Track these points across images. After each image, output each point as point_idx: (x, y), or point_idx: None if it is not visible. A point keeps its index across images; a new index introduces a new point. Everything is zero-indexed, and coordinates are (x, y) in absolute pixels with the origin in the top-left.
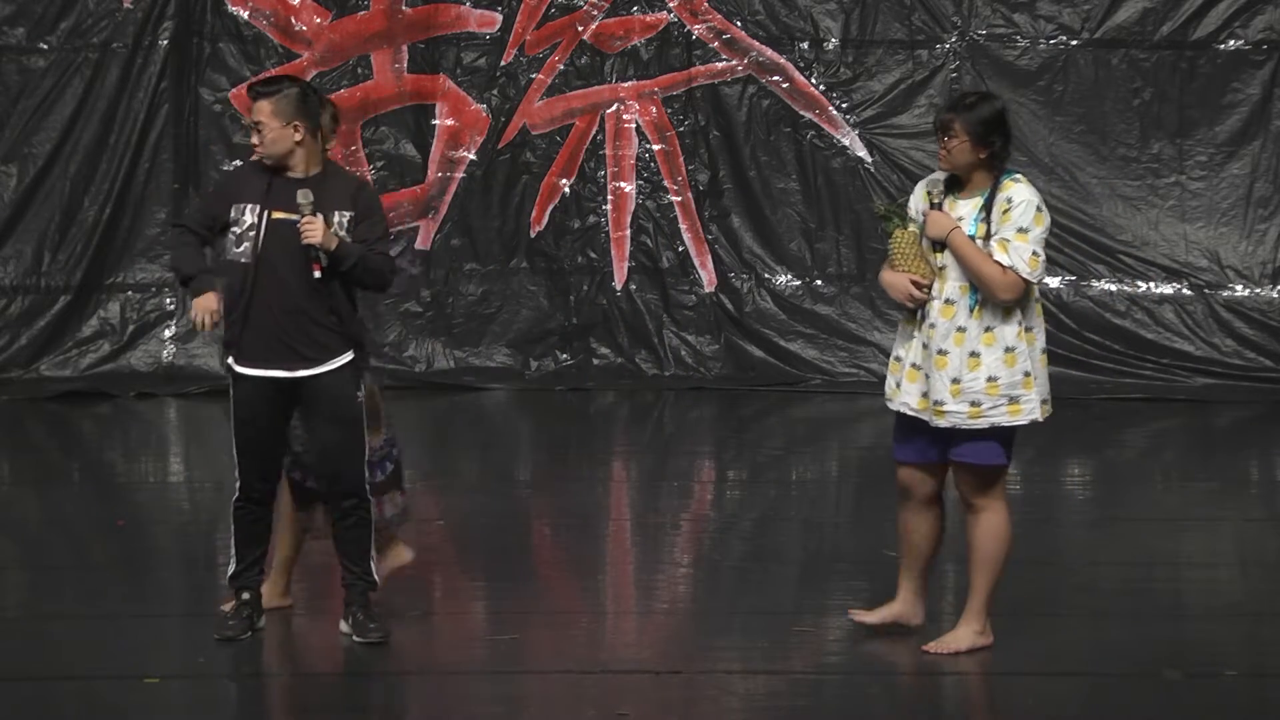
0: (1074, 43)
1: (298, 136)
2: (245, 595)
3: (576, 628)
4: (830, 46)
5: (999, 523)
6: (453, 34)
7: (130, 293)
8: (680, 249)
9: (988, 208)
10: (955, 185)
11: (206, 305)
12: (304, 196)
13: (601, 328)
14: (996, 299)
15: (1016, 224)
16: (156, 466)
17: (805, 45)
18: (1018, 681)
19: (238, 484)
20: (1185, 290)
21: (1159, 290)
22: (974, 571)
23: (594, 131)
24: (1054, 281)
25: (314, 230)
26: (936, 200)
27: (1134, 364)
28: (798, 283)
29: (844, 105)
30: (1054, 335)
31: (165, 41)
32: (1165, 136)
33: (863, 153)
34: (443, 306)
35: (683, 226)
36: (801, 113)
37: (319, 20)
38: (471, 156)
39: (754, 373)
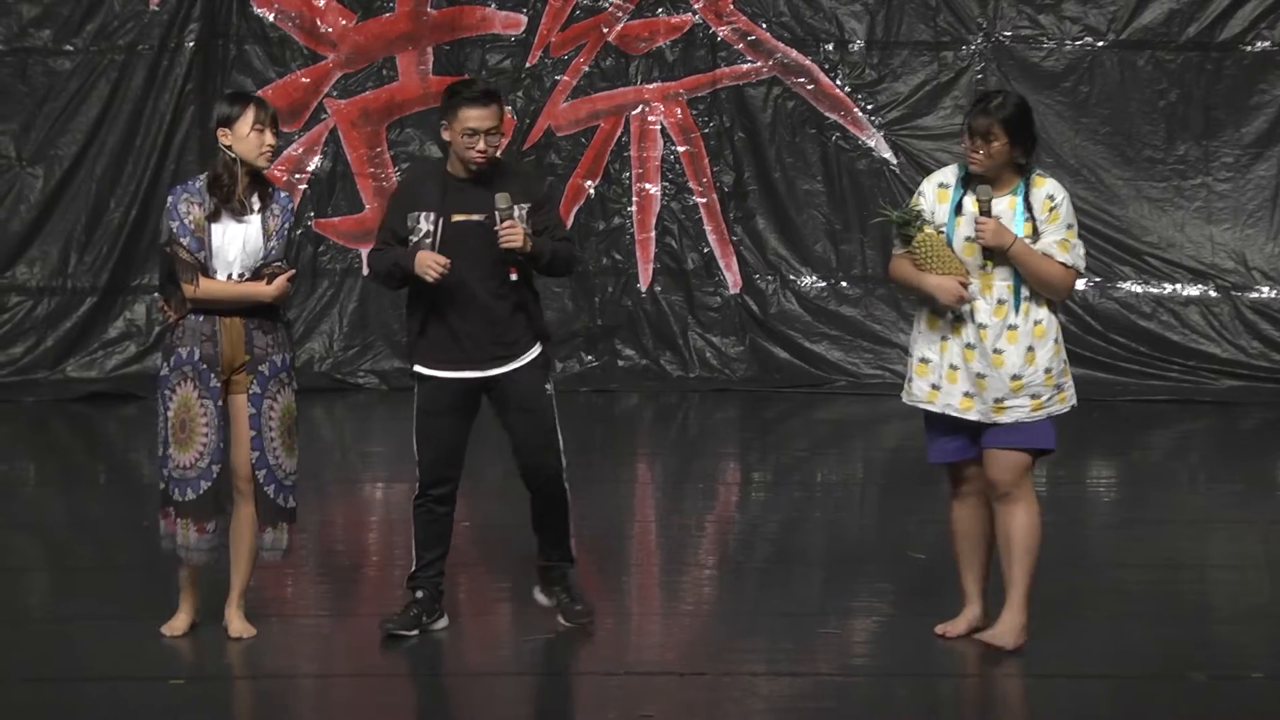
0: (1100, 44)
1: (506, 136)
2: (418, 594)
3: (601, 629)
4: (855, 48)
5: (1036, 512)
6: (478, 36)
7: (156, 294)
8: (705, 251)
9: (1028, 206)
10: (972, 183)
11: (429, 259)
12: (503, 200)
13: (626, 329)
14: (1059, 296)
15: (1065, 221)
16: None
17: (830, 47)
18: (1043, 683)
19: (418, 482)
20: (1211, 292)
21: (1185, 292)
22: (1013, 563)
23: (619, 133)
24: (1080, 283)
25: (515, 236)
26: (986, 208)
27: (1160, 366)
28: (823, 284)
29: (869, 107)
30: (1080, 337)
31: (191, 43)
32: (1191, 138)
33: (888, 154)
34: None
35: (708, 228)
36: (826, 114)
37: (344, 22)
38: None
39: (779, 374)
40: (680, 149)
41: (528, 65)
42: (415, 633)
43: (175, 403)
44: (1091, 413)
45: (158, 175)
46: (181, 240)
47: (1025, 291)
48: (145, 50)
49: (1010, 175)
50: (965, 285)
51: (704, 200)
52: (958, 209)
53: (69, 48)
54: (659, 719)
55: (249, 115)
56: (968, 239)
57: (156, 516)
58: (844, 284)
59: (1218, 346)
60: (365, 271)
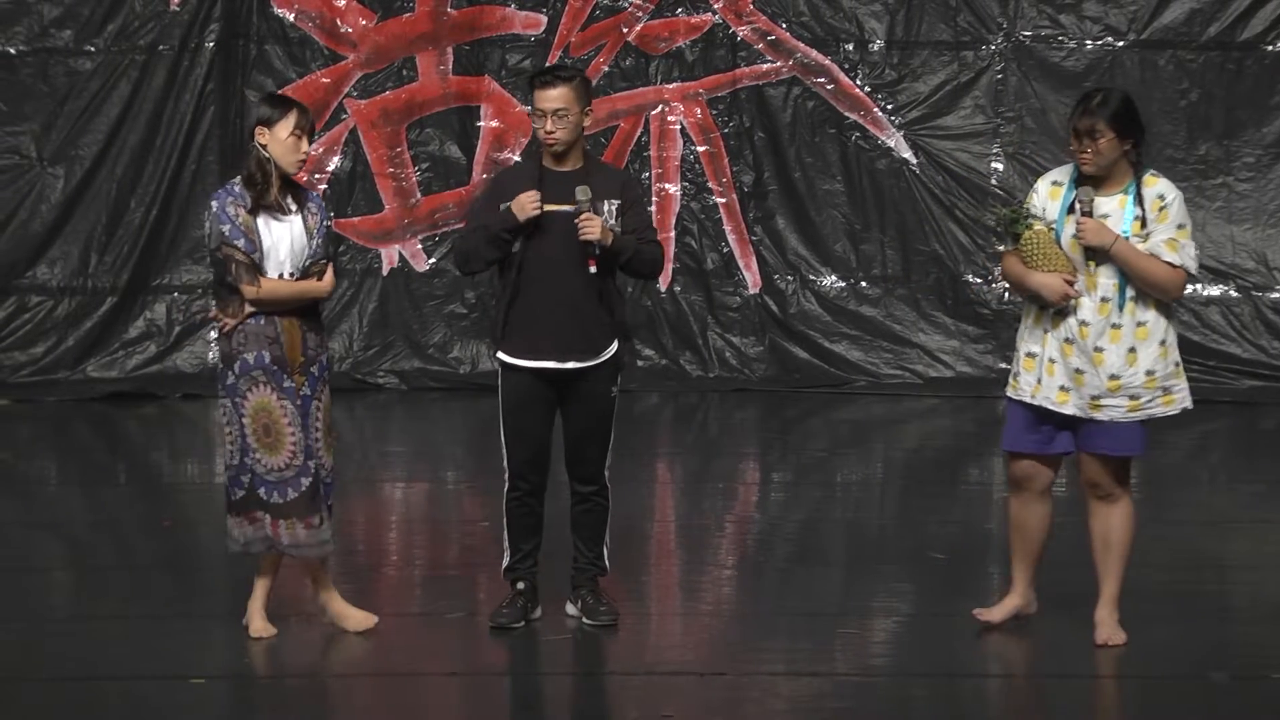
0: (1120, 44)
1: (586, 122)
2: (520, 585)
3: (621, 629)
4: (875, 48)
5: (1133, 512)
6: (498, 36)
7: (176, 294)
8: (725, 250)
9: (1140, 204)
10: (1086, 182)
11: (523, 199)
12: (583, 193)
13: (646, 329)
14: (1167, 297)
15: (1176, 220)
16: (202, 467)
17: (850, 47)
18: (1063, 683)
19: (507, 476)
20: (1232, 292)
21: (1205, 292)
22: (1112, 559)
23: (639, 133)
24: None
25: (592, 227)
26: (1087, 208)
27: None
28: (842, 284)
29: (889, 107)
30: None
31: (211, 44)
32: (1212, 138)
33: (908, 154)
34: (487, 308)
35: (727, 228)
36: (846, 114)
37: (364, 22)
38: (516, 158)
39: (798, 374)
40: (700, 149)
41: (548, 65)
42: (521, 624)
43: (250, 407)
44: None
45: (178, 175)
46: (236, 243)
47: (1131, 291)
48: (166, 50)
49: (1123, 173)
50: (1071, 282)
51: (723, 200)
52: (1070, 207)
53: (90, 48)
54: (679, 719)
55: (290, 120)
56: (1074, 236)
57: (227, 524)
58: (864, 284)
59: (1238, 346)
60: (452, 260)
